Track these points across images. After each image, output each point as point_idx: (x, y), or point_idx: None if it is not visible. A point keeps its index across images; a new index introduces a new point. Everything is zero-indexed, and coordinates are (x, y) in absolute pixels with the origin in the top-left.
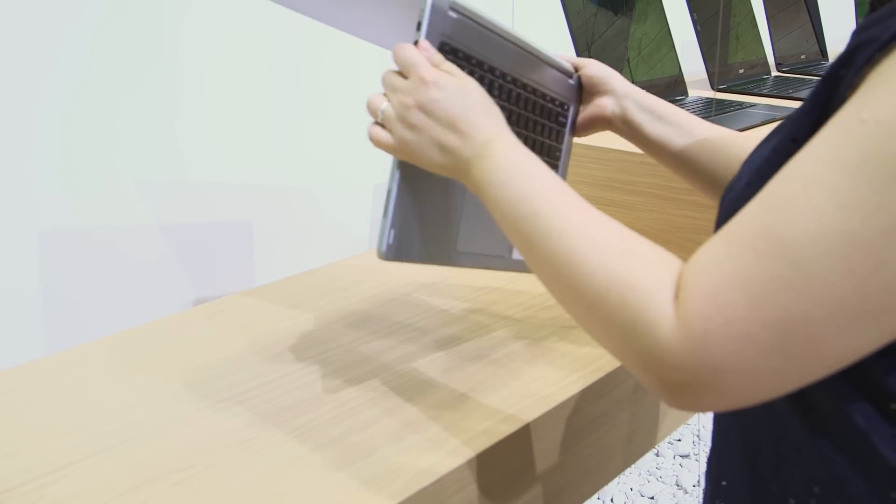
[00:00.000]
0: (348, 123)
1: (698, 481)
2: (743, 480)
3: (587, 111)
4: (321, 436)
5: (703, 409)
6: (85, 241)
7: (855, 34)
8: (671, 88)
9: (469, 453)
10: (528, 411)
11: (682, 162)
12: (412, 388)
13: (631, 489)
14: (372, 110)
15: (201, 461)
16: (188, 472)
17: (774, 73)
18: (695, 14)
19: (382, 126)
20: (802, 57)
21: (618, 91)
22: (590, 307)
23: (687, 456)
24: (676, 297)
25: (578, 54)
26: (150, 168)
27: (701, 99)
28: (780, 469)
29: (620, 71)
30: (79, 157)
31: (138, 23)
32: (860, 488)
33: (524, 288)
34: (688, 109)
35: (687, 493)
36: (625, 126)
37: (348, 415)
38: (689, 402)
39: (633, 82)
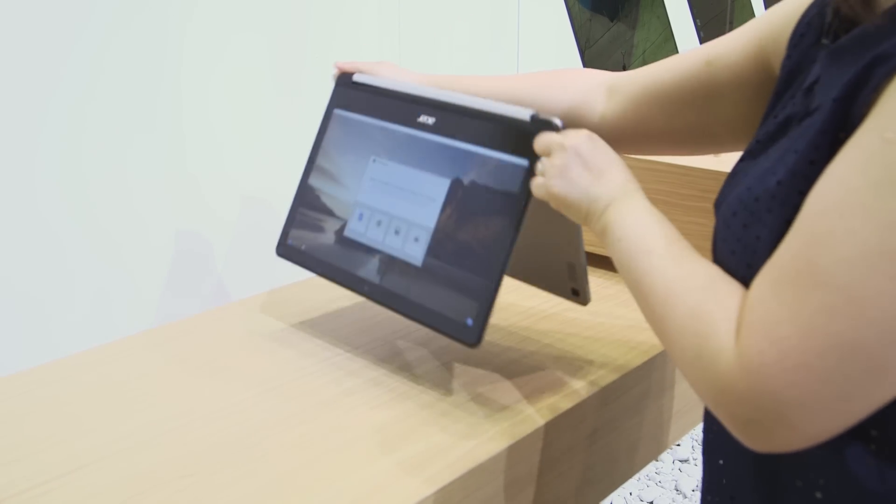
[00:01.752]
0: None
1: (697, 486)
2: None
3: None
4: (325, 443)
5: (782, 447)
6: (87, 244)
7: (857, 43)
8: None
9: (474, 461)
10: (534, 419)
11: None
12: (415, 397)
13: (630, 493)
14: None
15: (204, 468)
16: (191, 479)
17: None
18: (698, 21)
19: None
20: None
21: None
22: (673, 340)
23: (686, 461)
24: (736, 340)
25: (581, 59)
26: (154, 171)
27: None
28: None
29: None
30: (84, 160)
31: (144, 27)
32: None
33: (532, 295)
34: None
35: (686, 497)
36: None
37: (352, 423)
38: (763, 439)
39: None
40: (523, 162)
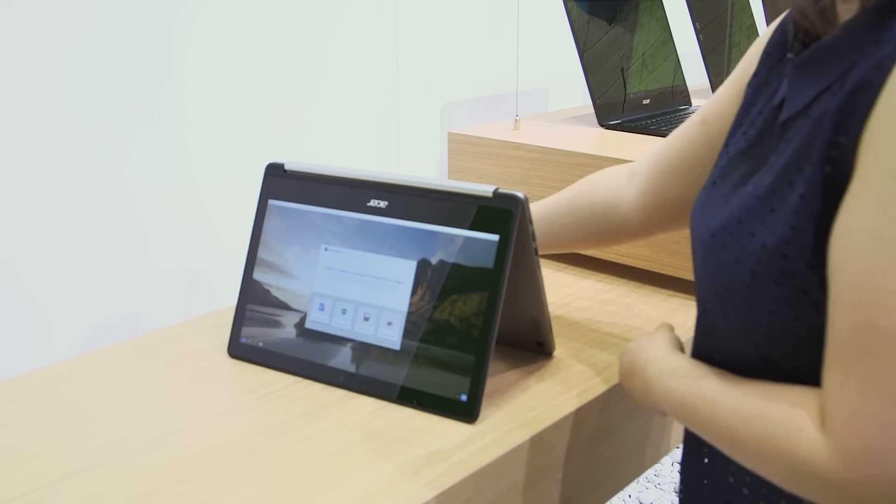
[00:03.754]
0: (349, 127)
1: None
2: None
3: None
4: (325, 447)
5: None
6: (88, 248)
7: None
8: (674, 98)
9: (477, 464)
10: (537, 422)
11: (554, 249)
12: None
13: (629, 496)
14: None
15: (204, 472)
16: (191, 482)
17: None
18: (697, 24)
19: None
20: None
21: None
22: (762, 470)
23: None
24: (825, 437)
25: (581, 63)
26: (155, 175)
27: None
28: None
29: (623, 81)
30: (85, 165)
31: (145, 31)
32: None
33: None
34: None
35: None
36: None
37: (352, 425)
38: None
39: (634, 93)
40: (493, 237)
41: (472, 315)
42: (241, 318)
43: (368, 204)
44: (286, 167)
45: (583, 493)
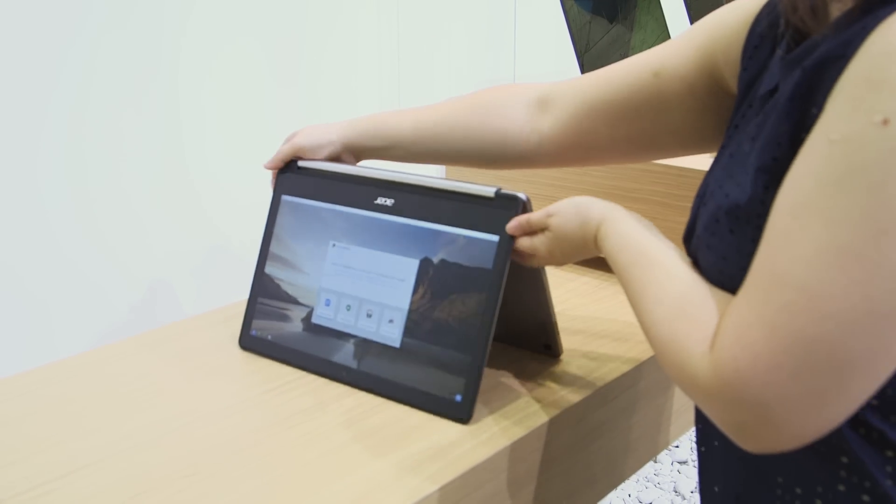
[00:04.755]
0: None
1: (696, 487)
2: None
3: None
4: (327, 442)
5: (773, 448)
6: (86, 245)
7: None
8: None
9: (472, 461)
10: (533, 419)
11: (426, 160)
12: None
13: (629, 495)
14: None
15: (205, 468)
16: (192, 478)
17: None
18: (694, 21)
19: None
20: None
21: (337, 153)
22: (662, 348)
23: (685, 462)
24: (711, 349)
25: (578, 61)
26: (152, 171)
27: None
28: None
29: None
30: (84, 162)
31: (140, 27)
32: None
33: None
34: None
35: (685, 499)
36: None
37: (354, 421)
38: (754, 441)
39: None
40: (493, 237)
41: (471, 315)
42: (252, 310)
43: (375, 202)
44: (298, 163)
45: (581, 488)
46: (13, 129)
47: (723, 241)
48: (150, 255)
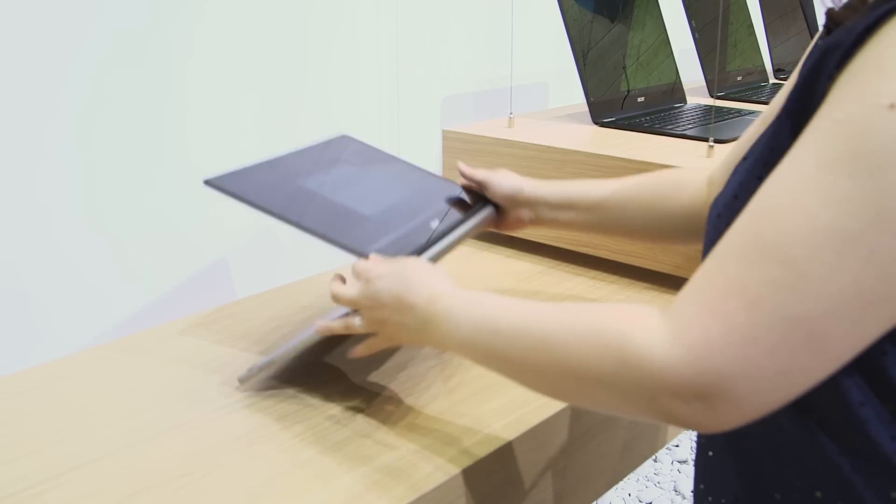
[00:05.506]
0: (345, 128)
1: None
2: (743, 495)
3: (508, 221)
4: (321, 442)
5: (725, 425)
6: (88, 243)
7: (820, 40)
8: (669, 96)
9: (469, 460)
10: (529, 418)
11: (604, 231)
12: (411, 396)
13: (629, 495)
14: (348, 327)
15: (202, 467)
16: (189, 477)
17: (772, 80)
18: (693, 21)
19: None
20: None
21: (530, 201)
22: (579, 375)
23: (685, 461)
24: (667, 322)
25: (576, 61)
26: (157, 171)
27: (700, 106)
28: (781, 477)
29: (618, 79)
30: (87, 160)
31: (149, 30)
32: (861, 489)
33: (527, 293)
34: (687, 117)
35: (685, 498)
36: (543, 224)
37: (349, 420)
38: (707, 418)
39: (629, 90)
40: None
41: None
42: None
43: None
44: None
45: (577, 488)
46: (14, 128)
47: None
48: (151, 253)
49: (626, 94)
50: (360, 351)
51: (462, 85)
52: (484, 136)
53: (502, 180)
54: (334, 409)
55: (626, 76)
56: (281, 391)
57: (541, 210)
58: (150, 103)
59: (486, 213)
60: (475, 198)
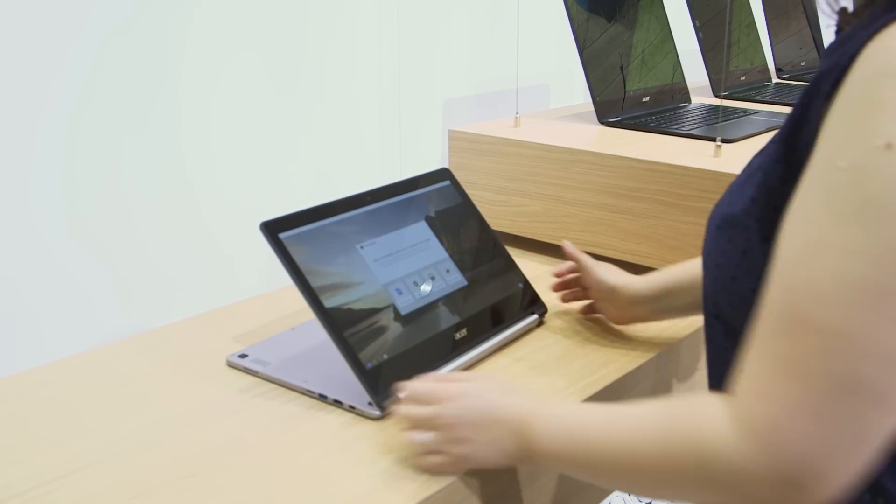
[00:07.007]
0: (347, 129)
1: None
2: None
3: (608, 316)
4: (328, 443)
5: (819, 501)
6: (82, 247)
7: (822, 58)
8: (674, 95)
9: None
10: None
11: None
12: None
13: (629, 494)
14: (418, 445)
15: (204, 469)
16: (193, 479)
17: (775, 79)
18: (696, 21)
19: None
20: (802, 63)
21: (628, 301)
22: (670, 482)
23: None
24: (730, 414)
25: (581, 61)
26: (149, 176)
27: (704, 106)
28: None
29: (623, 78)
30: (79, 166)
31: (142, 31)
32: None
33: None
34: (692, 116)
35: None
36: (646, 321)
37: (354, 423)
38: (801, 499)
39: (628, 90)
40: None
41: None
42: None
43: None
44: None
45: (581, 490)
46: (6, 132)
47: (719, 249)
48: (146, 257)
49: (631, 94)
50: (428, 464)
51: (462, 86)
52: (490, 136)
53: (604, 273)
54: (338, 410)
55: (631, 76)
56: (285, 392)
57: (640, 312)
58: (143, 107)
59: (525, 323)
60: (529, 299)
